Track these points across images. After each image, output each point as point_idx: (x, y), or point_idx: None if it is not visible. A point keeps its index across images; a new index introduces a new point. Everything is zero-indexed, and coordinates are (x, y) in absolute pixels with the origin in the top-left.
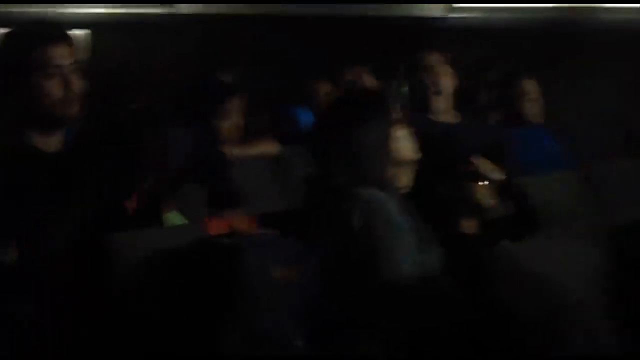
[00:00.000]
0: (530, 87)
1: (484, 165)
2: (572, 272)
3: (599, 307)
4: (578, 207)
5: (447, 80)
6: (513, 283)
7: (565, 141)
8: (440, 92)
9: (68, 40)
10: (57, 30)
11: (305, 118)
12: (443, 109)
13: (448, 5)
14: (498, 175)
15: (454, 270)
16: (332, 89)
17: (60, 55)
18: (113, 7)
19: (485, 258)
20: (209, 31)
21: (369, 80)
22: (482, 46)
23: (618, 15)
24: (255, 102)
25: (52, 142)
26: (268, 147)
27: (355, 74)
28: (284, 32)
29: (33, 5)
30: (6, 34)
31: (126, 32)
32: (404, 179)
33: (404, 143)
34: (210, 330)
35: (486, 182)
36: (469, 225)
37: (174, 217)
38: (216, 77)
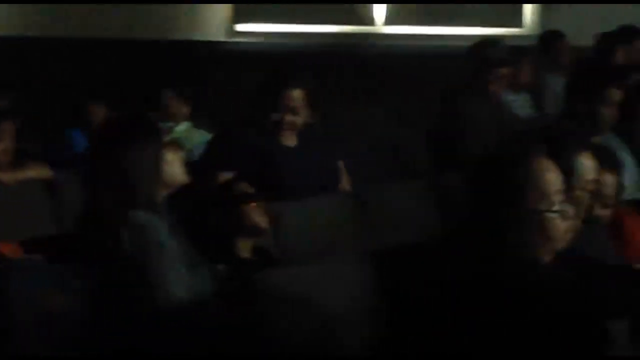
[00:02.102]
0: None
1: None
2: (342, 294)
3: (366, 328)
4: (351, 230)
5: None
6: (283, 305)
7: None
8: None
9: None
10: None
11: (80, 142)
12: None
13: (230, 29)
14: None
15: (227, 293)
16: (108, 113)
17: None
18: None
19: (258, 280)
20: None
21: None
22: (263, 70)
23: (392, 41)
24: (28, 126)
25: None
26: (39, 172)
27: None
28: (59, 55)
29: None
30: None
31: None
32: (179, 202)
33: (174, 166)
34: None
35: (259, 204)
36: (243, 248)
37: None
38: None
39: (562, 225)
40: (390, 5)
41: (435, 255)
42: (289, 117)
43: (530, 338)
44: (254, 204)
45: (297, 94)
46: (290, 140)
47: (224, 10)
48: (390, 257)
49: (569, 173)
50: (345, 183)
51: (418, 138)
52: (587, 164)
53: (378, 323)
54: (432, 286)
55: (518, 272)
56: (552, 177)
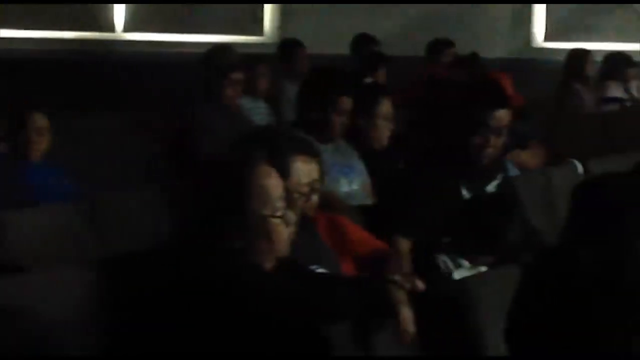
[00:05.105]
0: (39, 120)
1: None
2: (65, 301)
3: (91, 335)
4: (79, 237)
5: None
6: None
7: (71, 174)
8: None
9: None
10: None
11: None
12: None
13: None
14: None
15: None
16: None
17: None
18: None
19: None
20: None
21: None
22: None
23: (132, 48)
24: None
25: None
26: None
27: None
28: None
29: None
30: None
31: None
32: None
33: None
34: None
35: None
36: None
37: None
38: None
39: (284, 231)
40: (129, 12)
41: (161, 261)
42: None
43: (253, 344)
44: None
45: None
46: None
47: None
48: (117, 264)
49: (284, 178)
50: None
51: (155, 144)
52: (301, 167)
53: (103, 330)
54: (157, 292)
55: (241, 279)
56: (274, 183)
